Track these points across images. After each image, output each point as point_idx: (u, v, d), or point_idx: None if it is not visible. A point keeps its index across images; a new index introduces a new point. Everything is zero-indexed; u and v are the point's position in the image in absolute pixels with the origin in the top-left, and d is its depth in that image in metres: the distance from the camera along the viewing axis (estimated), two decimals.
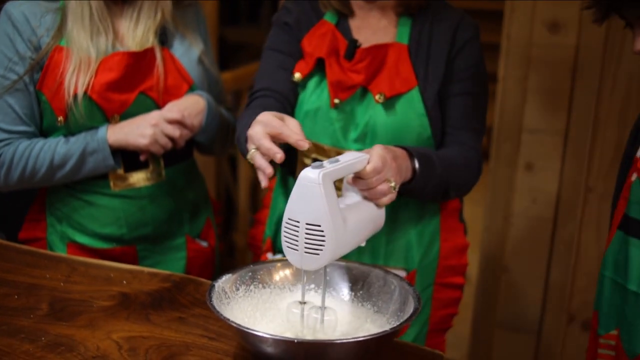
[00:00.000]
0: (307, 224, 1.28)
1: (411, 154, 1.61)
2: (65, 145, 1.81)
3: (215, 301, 1.32)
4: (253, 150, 1.42)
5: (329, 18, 1.85)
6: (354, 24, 1.85)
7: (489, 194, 2.73)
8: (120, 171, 1.88)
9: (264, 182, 1.42)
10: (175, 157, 1.94)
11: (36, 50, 1.78)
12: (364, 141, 1.77)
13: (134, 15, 1.86)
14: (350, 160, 1.37)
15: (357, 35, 1.83)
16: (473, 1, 4.31)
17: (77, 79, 1.77)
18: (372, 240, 1.84)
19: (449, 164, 1.70)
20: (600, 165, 2.56)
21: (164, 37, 1.90)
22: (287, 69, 1.86)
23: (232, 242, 3.63)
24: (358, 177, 1.42)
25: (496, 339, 2.84)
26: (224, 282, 1.40)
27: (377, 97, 1.75)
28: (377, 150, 1.43)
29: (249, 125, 1.47)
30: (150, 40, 1.87)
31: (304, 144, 1.39)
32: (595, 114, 2.52)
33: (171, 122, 1.83)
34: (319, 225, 1.28)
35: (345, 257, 1.48)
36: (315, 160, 1.83)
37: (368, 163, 1.40)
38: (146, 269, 1.69)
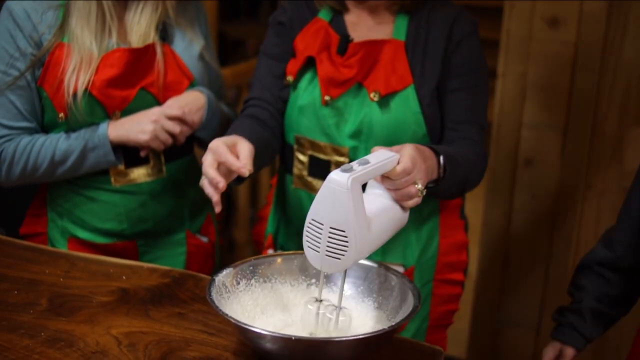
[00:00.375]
0: (331, 227, 1.26)
1: (438, 155, 1.57)
2: (66, 141, 1.81)
3: (215, 296, 1.32)
4: (203, 178, 1.49)
5: (323, 15, 1.85)
6: (350, 20, 1.84)
7: (489, 190, 2.73)
8: (121, 167, 1.88)
9: (217, 208, 1.48)
10: (175, 153, 1.94)
11: (37, 46, 1.78)
12: (359, 138, 1.77)
13: (135, 11, 1.86)
14: (381, 162, 1.34)
15: (352, 31, 1.82)
16: None
17: (77, 76, 1.77)
18: None
19: (466, 159, 1.68)
20: (599, 161, 2.56)
21: (164, 33, 1.90)
22: (277, 75, 1.88)
23: (231, 237, 3.63)
24: (386, 177, 1.40)
25: (496, 335, 2.85)
26: (225, 276, 1.40)
27: (372, 95, 1.75)
28: (408, 151, 1.41)
29: (232, 131, 1.63)
30: (151, 36, 1.87)
31: (244, 171, 1.47)
32: (594, 109, 2.52)
33: (171, 118, 1.83)
34: (344, 231, 1.26)
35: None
36: (312, 157, 1.83)
37: (398, 163, 1.38)
38: (146, 265, 1.69)
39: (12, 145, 1.81)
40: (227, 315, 1.25)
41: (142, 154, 1.87)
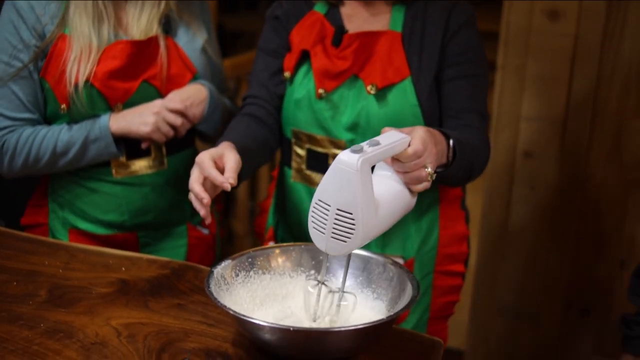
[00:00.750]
0: (338, 209, 1.24)
1: (448, 138, 1.55)
2: (68, 133, 1.81)
3: (213, 288, 1.32)
4: (190, 193, 1.51)
5: (319, 8, 1.85)
6: (345, 12, 1.84)
7: (488, 181, 2.73)
8: (123, 159, 1.88)
9: (206, 221, 1.51)
10: (177, 145, 1.94)
11: (41, 38, 1.78)
12: (357, 131, 1.77)
13: (138, 3, 1.86)
14: (391, 143, 1.31)
15: (348, 23, 1.82)
16: None
17: (78, 66, 1.77)
18: None
19: (472, 146, 1.66)
20: (599, 153, 2.57)
21: (168, 26, 1.90)
22: (274, 71, 1.89)
23: (231, 229, 3.64)
24: (396, 159, 1.37)
25: (494, 327, 2.85)
26: (223, 268, 1.40)
27: (368, 87, 1.74)
28: (420, 133, 1.38)
29: (228, 134, 1.70)
30: (154, 29, 1.86)
31: (226, 186, 1.48)
32: (593, 102, 2.53)
33: (173, 111, 1.83)
34: (351, 213, 1.23)
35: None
36: (309, 151, 1.83)
37: (409, 145, 1.36)
38: (145, 256, 1.69)
39: (14, 136, 1.81)
40: (225, 307, 1.25)
41: (144, 146, 1.87)
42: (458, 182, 1.74)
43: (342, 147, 1.78)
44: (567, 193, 2.62)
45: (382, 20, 1.81)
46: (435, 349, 1.35)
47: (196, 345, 1.33)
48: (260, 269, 1.46)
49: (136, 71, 1.84)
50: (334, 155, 1.79)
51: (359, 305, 1.42)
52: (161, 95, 1.87)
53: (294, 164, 1.88)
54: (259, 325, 1.22)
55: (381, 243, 1.85)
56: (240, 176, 1.58)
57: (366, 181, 1.23)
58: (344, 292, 1.35)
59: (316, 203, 1.27)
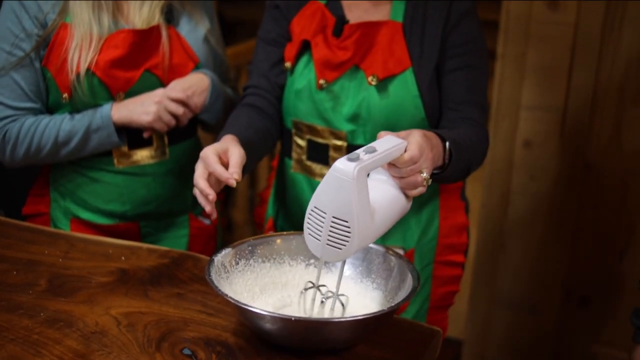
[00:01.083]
0: (334, 217, 1.24)
1: (444, 141, 1.55)
2: (70, 122, 1.81)
3: (214, 276, 1.32)
4: (194, 188, 1.50)
5: None
6: (346, 2, 1.82)
7: (487, 171, 2.73)
8: (125, 148, 1.88)
9: (212, 217, 1.49)
10: (179, 135, 1.94)
11: (42, 27, 1.78)
12: (357, 122, 1.76)
13: None
14: (388, 149, 1.31)
15: (349, 13, 1.81)
16: None
17: (80, 55, 1.77)
18: None
19: (470, 143, 1.66)
20: (598, 143, 2.57)
21: (170, 15, 1.89)
22: (274, 61, 1.88)
23: (230, 218, 3.64)
24: (392, 164, 1.37)
25: (493, 316, 2.86)
26: (223, 256, 1.40)
27: (369, 78, 1.74)
28: (416, 138, 1.38)
29: (230, 126, 1.71)
30: (157, 18, 1.86)
31: (232, 182, 1.47)
32: (593, 91, 2.52)
33: (175, 100, 1.82)
34: (347, 221, 1.24)
35: None
36: (310, 141, 1.82)
37: (405, 151, 1.36)
38: (145, 245, 1.69)
39: (16, 125, 1.81)
40: (226, 295, 1.25)
41: (145, 135, 1.86)
42: (455, 180, 1.74)
43: (343, 138, 1.78)
44: (567, 182, 2.62)
45: (383, 11, 1.80)
46: (434, 338, 1.36)
47: (196, 334, 1.34)
48: (260, 258, 1.46)
49: (138, 60, 1.83)
50: (335, 146, 1.79)
51: (358, 295, 1.42)
52: (163, 84, 1.87)
53: (294, 155, 1.88)
54: (259, 314, 1.22)
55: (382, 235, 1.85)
56: (244, 169, 1.58)
57: (362, 189, 1.24)
58: (338, 295, 1.35)
59: (312, 210, 1.28)
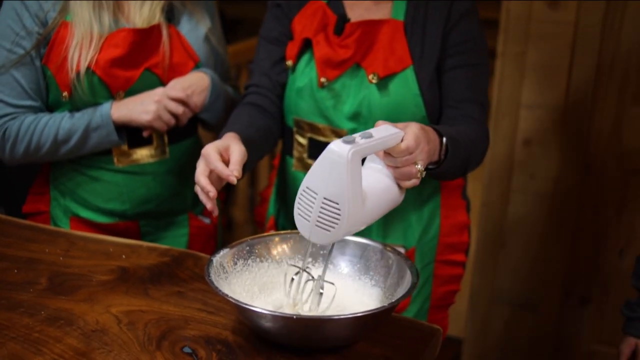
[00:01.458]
0: (324, 198, 1.25)
1: (441, 136, 1.54)
2: (69, 120, 1.81)
3: (213, 276, 1.32)
4: (196, 186, 1.51)
5: None
6: (347, 0, 1.83)
7: (487, 170, 2.73)
8: (124, 147, 1.88)
9: (214, 214, 1.50)
10: (179, 134, 1.94)
11: (43, 25, 1.78)
12: (358, 120, 1.77)
13: None
14: (384, 137, 1.31)
15: (350, 12, 1.81)
16: None
17: (80, 54, 1.77)
18: None
19: (469, 140, 1.65)
20: (597, 142, 2.57)
21: (170, 14, 1.89)
22: (275, 60, 1.88)
23: (231, 217, 3.64)
24: (388, 153, 1.38)
25: (493, 315, 2.86)
26: (222, 256, 1.40)
27: (370, 76, 1.74)
28: (413, 129, 1.38)
29: (231, 124, 1.71)
30: (157, 17, 1.86)
31: (232, 179, 1.47)
32: (593, 90, 2.52)
33: (174, 99, 1.83)
34: (337, 203, 1.24)
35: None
36: (311, 140, 1.83)
37: (402, 140, 1.36)
38: (145, 244, 1.69)
39: (16, 123, 1.81)
40: (227, 295, 1.26)
41: (145, 134, 1.87)
42: (453, 177, 1.73)
43: (344, 137, 1.78)
44: (567, 181, 2.62)
45: (384, 9, 1.80)
46: (434, 336, 1.36)
47: (196, 332, 1.34)
48: (258, 257, 1.46)
49: (138, 59, 1.83)
50: None
51: (357, 293, 1.42)
52: (163, 83, 1.87)
53: (295, 153, 1.88)
54: (259, 313, 1.22)
55: (382, 233, 1.85)
56: (245, 167, 1.59)
57: (355, 173, 1.24)
58: (324, 281, 1.35)
59: (304, 190, 1.28)
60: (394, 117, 1.74)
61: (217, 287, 1.28)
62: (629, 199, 2.58)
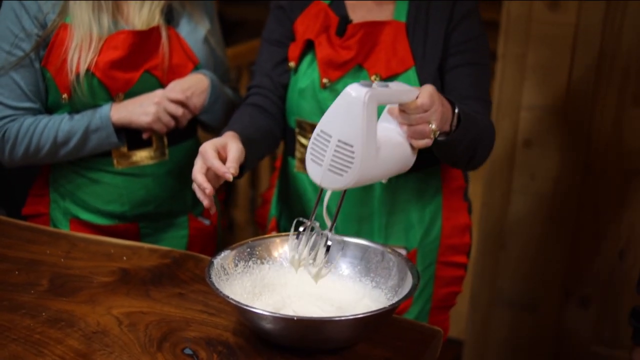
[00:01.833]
0: (339, 140, 1.24)
1: (454, 106, 1.54)
2: (69, 122, 1.81)
3: (214, 278, 1.33)
4: (193, 183, 1.52)
5: None
6: (349, 2, 1.83)
7: (488, 171, 2.73)
8: (124, 149, 1.88)
9: (211, 211, 1.52)
10: (179, 136, 1.94)
11: (42, 27, 1.78)
12: None
13: None
14: (400, 88, 1.31)
15: (352, 13, 1.82)
16: None
17: (79, 56, 1.77)
18: (371, 221, 1.84)
19: (480, 123, 1.65)
20: (598, 143, 2.57)
21: (170, 16, 1.89)
22: (277, 61, 1.88)
23: (232, 218, 3.64)
24: (402, 110, 1.38)
25: (494, 316, 2.86)
26: (223, 258, 1.40)
27: (372, 78, 1.74)
28: (428, 89, 1.39)
29: (232, 124, 1.71)
30: (156, 19, 1.86)
31: (228, 177, 1.49)
32: (593, 91, 2.53)
33: (174, 101, 1.83)
34: (352, 146, 1.23)
35: (342, 235, 1.48)
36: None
37: (417, 97, 1.36)
38: (146, 245, 1.69)
39: (15, 125, 1.81)
40: (227, 297, 1.26)
41: (145, 136, 1.87)
42: (460, 159, 1.69)
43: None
44: (567, 182, 2.62)
45: (386, 10, 1.81)
46: (435, 338, 1.36)
47: (197, 334, 1.34)
48: (259, 259, 1.46)
49: (138, 61, 1.84)
50: None
51: (357, 294, 1.42)
52: (162, 85, 1.87)
53: (297, 154, 1.88)
54: (260, 314, 1.23)
55: (384, 234, 1.85)
56: (245, 166, 1.59)
57: (371, 116, 1.23)
58: (331, 235, 1.35)
59: (318, 134, 1.28)
60: None
61: (218, 289, 1.28)
62: (629, 200, 2.58)
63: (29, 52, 1.78)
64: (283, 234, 1.52)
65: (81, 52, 1.77)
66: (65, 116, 1.82)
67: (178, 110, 1.83)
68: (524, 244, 2.75)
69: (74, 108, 1.83)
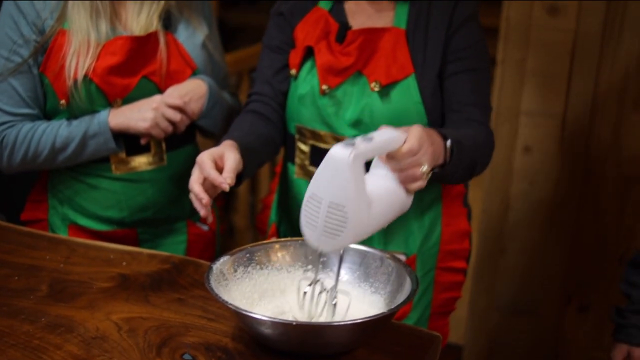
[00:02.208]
0: (330, 203, 1.24)
1: (445, 139, 1.54)
2: (67, 128, 1.81)
3: (213, 283, 1.33)
4: (190, 193, 1.52)
5: (323, 4, 1.85)
6: (349, 8, 1.83)
7: (488, 177, 2.74)
8: (122, 155, 1.88)
9: (208, 220, 1.54)
10: (177, 141, 1.94)
11: (40, 33, 1.79)
12: (360, 127, 1.77)
13: None
14: (385, 139, 1.31)
15: (352, 19, 1.82)
16: None
17: (77, 61, 1.77)
18: None
19: (474, 143, 1.65)
20: (597, 148, 2.57)
21: (167, 22, 1.89)
22: (278, 68, 1.89)
23: (231, 223, 3.64)
24: (391, 157, 1.37)
25: (493, 321, 2.86)
26: (222, 264, 1.40)
27: (372, 84, 1.74)
28: (416, 131, 1.38)
29: (231, 131, 1.74)
30: (154, 25, 1.86)
31: (224, 187, 1.49)
32: (593, 96, 2.53)
33: (172, 107, 1.83)
34: (343, 206, 1.23)
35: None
36: (313, 147, 1.83)
37: (404, 143, 1.35)
38: (145, 251, 1.70)
39: (13, 131, 1.81)
40: (226, 302, 1.26)
41: (143, 142, 1.87)
42: (460, 180, 1.73)
43: (344, 140, 1.78)
44: (567, 188, 2.63)
45: (386, 17, 1.81)
46: (434, 343, 1.36)
47: (196, 339, 1.34)
48: (258, 264, 1.47)
49: (135, 67, 1.84)
50: None
51: (356, 300, 1.42)
52: (160, 91, 1.87)
53: (297, 160, 1.88)
54: (259, 319, 1.23)
55: (384, 240, 1.85)
56: (243, 174, 1.59)
57: (358, 175, 1.23)
58: (337, 290, 1.35)
59: (309, 198, 1.28)
60: (395, 125, 1.72)
61: (217, 294, 1.28)
62: (628, 206, 2.58)
63: (27, 58, 1.78)
64: (282, 239, 1.52)
65: (79, 58, 1.77)
66: (64, 122, 1.82)
67: (176, 116, 1.83)
68: (523, 249, 2.75)
69: (72, 114, 1.83)
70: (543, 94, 2.58)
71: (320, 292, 1.36)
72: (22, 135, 1.81)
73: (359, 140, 1.27)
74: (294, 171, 1.89)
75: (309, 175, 1.85)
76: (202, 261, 1.65)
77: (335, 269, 1.47)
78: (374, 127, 1.74)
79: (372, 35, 1.76)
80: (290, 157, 1.91)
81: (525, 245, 2.74)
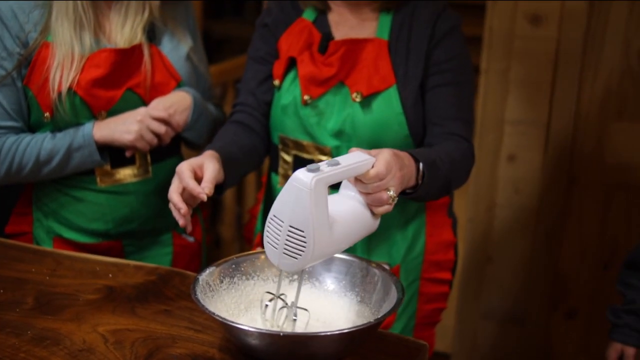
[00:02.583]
0: (290, 226, 1.25)
1: (417, 162, 1.54)
2: (51, 141, 1.81)
3: (199, 294, 1.33)
4: (170, 203, 1.54)
5: (308, 15, 1.85)
6: (333, 19, 1.84)
7: (472, 185, 2.75)
8: (107, 167, 1.88)
9: (187, 229, 1.56)
10: (162, 154, 1.94)
11: (24, 46, 1.78)
12: (342, 137, 1.77)
13: (121, 11, 1.85)
14: (352, 164, 1.31)
15: (335, 31, 1.83)
16: None
17: (61, 74, 1.77)
18: None
19: (450, 161, 1.65)
20: (581, 156, 2.59)
21: (152, 34, 1.89)
22: (261, 79, 1.89)
23: (218, 234, 3.64)
24: (359, 179, 1.37)
25: (480, 330, 2.86)
26: (208, 275, 1.40)
27: (354, 95, 1.75)
28: (385, 156, 1.38)
29: (214, 142, 1.75)
30: (139, 37, 1.86)
31: (202, 197, 1.50)
32: (576, 105, 2.55)
33: (156, 119, 1.83)
34: (302, 231, 1.24)
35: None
36: (296, 157, 1.83)
37: (372, 167, 1.35)
38: (132, 262, 1.69)
39: None
40: (213, 313, 1.26)
41: (128, 154, 1.86)
42: (434, 199, 1.74)
43: (328, 154, 1.79)
44: (551, 196, 2.64)
45: (370, 28, 1.81)
46: (420, 352, 1.36)
47: (183, 350, 1.34)
48: (244, 275, 1.47)
49: (120, 79, 1.84)
50: (320, 162, 1.80)
51: (343, 309, 1.43)
52: (145, 103, 1.87)
53: (280, 170, 1.88)
54: (246, 330, 1.23)
55: (367, 249, 1.86)
56: (224, 184, 1.60)
57: (320, 200, 1.24)
58: (297, 307, 1.35)
59: (271, 219, 1.28)
60: (377, 135, 1.75)
61: (203, 305, 1.28)
62: (612, 213, 2.59)
63: (10, 71, 1.78)
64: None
65: (63, 71, 1.77)
66: (48, 135, 1.82)
67: (161, 128, 1.83)
68: (509, 257, 2.76)
69: (57, 126, 1.83)
70: (527, 103, 2.60)
71: (281, 308, 1.37)
72: (6, 148, 1.80)
73: (323, 164, 1.27)
74: (278, 181, 1.90)
75: None
76: (188, 272, 1.65)
77: (320, 278, 1.48)
78: (355, 137, 1.75)
79: (354, 45, 1.77)
80: (274, 167, 1.91)
81: (511, 253, 2.75)
